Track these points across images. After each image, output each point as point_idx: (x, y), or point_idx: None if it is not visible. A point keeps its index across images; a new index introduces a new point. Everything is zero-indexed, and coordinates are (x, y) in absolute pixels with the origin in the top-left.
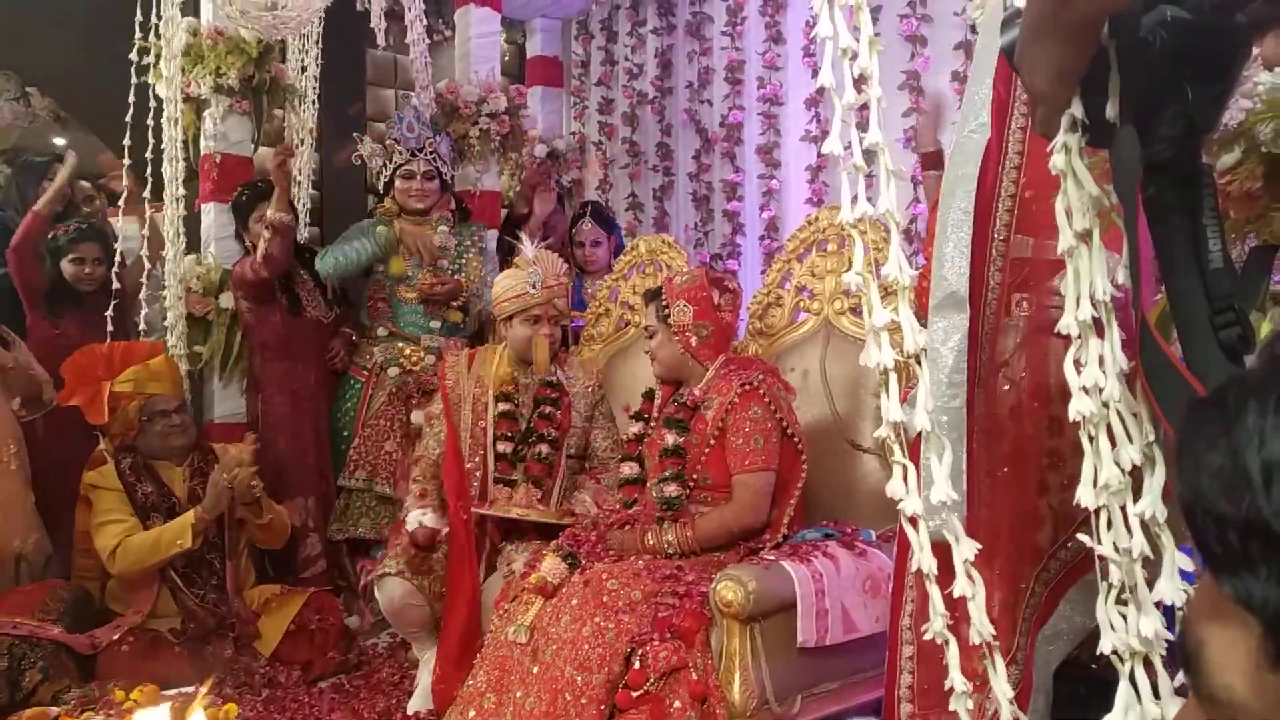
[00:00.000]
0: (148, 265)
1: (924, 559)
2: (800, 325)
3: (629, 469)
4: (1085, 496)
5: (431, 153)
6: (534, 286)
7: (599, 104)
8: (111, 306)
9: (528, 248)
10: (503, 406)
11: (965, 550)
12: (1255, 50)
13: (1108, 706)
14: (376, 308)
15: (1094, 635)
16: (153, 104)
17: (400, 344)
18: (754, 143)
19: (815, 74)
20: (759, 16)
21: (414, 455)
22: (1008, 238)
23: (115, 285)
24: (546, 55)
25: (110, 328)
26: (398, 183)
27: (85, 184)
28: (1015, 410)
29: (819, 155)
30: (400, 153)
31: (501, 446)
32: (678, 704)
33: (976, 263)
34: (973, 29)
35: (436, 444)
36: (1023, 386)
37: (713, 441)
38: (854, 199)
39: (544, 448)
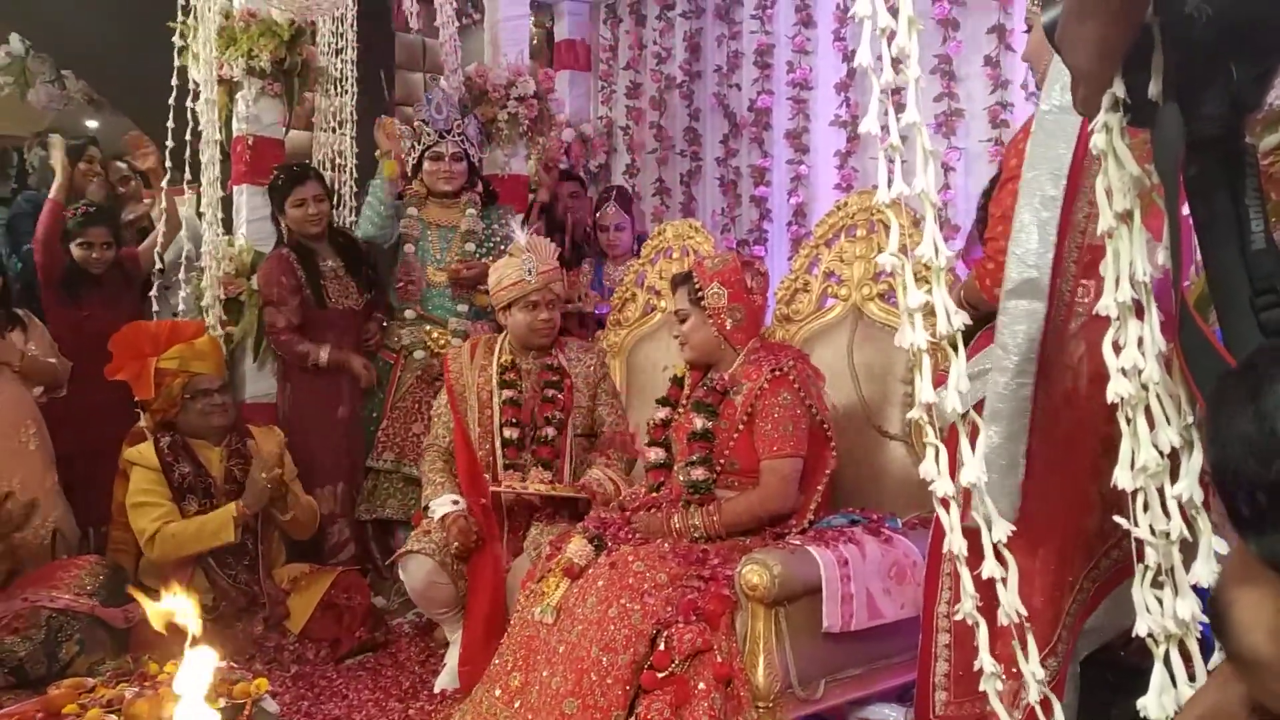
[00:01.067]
0: (187, 246)
1: (954, 540)
2: (828, 311)
3: (655, 454)
4: (1123, 478)
5: (459, 134)
6: (530, 273)
7: (627, 88)
8: (156, 287)
9: (520, 235)
10: (506, 393)
11: (997, 533)
12: None
13: (1137, 693)
14: (406, 290)
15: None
16: (177, 84)
17: (427, 326)
18: (782, 128)
19: (845, 58)
20: (789, 0)
21: (425, 444)
22: (1086, 229)
23: (158, 266)
24: (574, 39)
25: (156, 308)
26: (426, 164)
27: (121, 165)
28: (1071, 396)
29: (848, 140)
30: (428, 134)
31: (508, 432)
32: (702, 686)
33: (1058, 250)
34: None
35: (446, 432)
36: (1081, 371)
37: (741, 426)
38: (890, 179)
39: (549, 430)
